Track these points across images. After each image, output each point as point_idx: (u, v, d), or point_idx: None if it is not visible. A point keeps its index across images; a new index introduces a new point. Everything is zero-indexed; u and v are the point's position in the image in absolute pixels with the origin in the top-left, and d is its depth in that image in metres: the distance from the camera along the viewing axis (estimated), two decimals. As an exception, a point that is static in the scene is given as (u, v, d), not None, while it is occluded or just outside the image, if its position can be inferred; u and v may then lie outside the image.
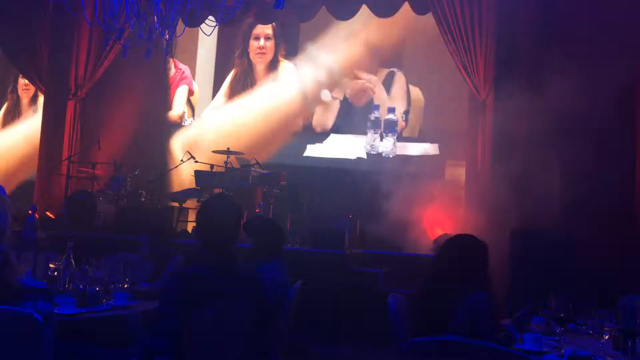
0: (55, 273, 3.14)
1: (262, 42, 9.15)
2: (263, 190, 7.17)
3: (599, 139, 6.26)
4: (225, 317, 2.25)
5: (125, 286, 3.10)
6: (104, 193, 7.65)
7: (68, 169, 8.20)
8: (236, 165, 7.72)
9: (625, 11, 6.28)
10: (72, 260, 3.07)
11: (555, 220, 6.38)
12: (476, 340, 1.98)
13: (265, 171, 7.61)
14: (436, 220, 7.32)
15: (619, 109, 6.37)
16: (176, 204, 7.72)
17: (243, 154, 7.82)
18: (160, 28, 4.93)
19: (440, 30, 7.26)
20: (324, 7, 8.17)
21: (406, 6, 7.80)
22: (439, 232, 6.99)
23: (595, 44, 6.36)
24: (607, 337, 2.27)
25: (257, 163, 7.60)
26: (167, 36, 4.72)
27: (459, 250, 2.77)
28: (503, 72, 6.79)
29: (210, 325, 2.22)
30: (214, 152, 8.09)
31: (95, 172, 7.92)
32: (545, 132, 6.32)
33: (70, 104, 8.70)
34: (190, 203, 7.77)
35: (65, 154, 8.52)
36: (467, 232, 5.35)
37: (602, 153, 6.27)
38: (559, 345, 2.41)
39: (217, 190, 7.45)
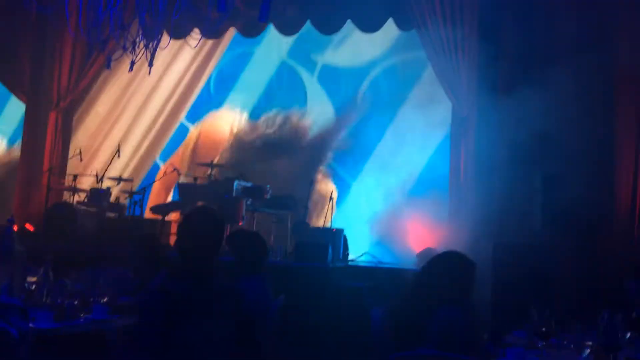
0: (34, 287, 3.07)
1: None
2: (247, 204, 7.13)
3: (579, 155, 6.36)
4: (205, 334, 2.21)
5: (105, 300, 3.04)
6: (85, 205, 7.55)
7: (48, 181, 8.09)
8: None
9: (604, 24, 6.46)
10: (51, 274, 3.01)
11: (537, 234, 6.44)
12: (457, 354, 1.97)
13: (249, 184, 7.59)
14: (420, 233, 7.34)
15: (598, 126, 6.49)
16: (159, 217, 7.64)
17: (227, 166, 7.79)
18: (144, 40, 4.91)
19: (424, 46, 7.34)
20: (309, 21, 8.21)
21: (390, 22, 7.87)
22: (422, 246, 7.01)
23: (575, 63, 6.49)
24: (588, 351, 2.27)
25: (242, 175, 7.57)
26: (151, 48, 4.70)
27: (445, 267, 2.77)
28: (486, 89, 6.86)
29: (190, 342, 2.17)
30: (198, 164, 8.06)
31: (77, 184, 7.82)
32: (526, 146, 6.39)
33: (52, 115, 8.61)
34: (173, 216, 7.70)
35: (46, 166, 8.42)
36: (450, 247, 5.35)
37: (582, 169, 6.36)
38: (541, 360, 2.41)
39: (199, 204, 7.40)
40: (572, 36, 6.54)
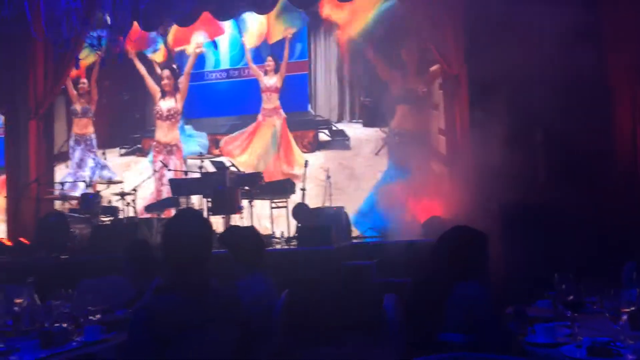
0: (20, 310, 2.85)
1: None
2: (242, 192, 6.91)
3: (577, 104, 6.12)
4: (203, 347, 2.00)
5: (97, 317, 2.82)
6: (77, 212, 7.33)
7: (37, 192, 7.86)
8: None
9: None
10: (35, 296, 2.80)
11: (542, 189, 6.24)
12: (488, 354, 1.77)
13: (242, 172, 7.37)
14: (422, 201, 7.14)
15: (593, 72, 6.25)
16: (155, 216, 7.43)
17: (217, 156, 7.56)
18: (111, 33, 4.65)
19: (407, 8, 7.07)
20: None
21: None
22: (426, 214, 6.81)
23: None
24: (625, 318, 2.07)
25: (233, 165, 7.34)
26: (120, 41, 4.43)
27: (456, 243, 2.57)
28: (474, 43, 6.60)
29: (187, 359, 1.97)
30: (187, 157, 7.84)
31: (66, 191, 7.59)
32: (522, 101, 6.15)
33: (33, 124, 8.34)
34: (169, 213, 7.49)
35: (32, 176, 8.18)
36: (454, 212, 5.08)
37: (581, 119, 6.14)
38: (573, 333, 2.21)
39: (194, 197, 7.20)
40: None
